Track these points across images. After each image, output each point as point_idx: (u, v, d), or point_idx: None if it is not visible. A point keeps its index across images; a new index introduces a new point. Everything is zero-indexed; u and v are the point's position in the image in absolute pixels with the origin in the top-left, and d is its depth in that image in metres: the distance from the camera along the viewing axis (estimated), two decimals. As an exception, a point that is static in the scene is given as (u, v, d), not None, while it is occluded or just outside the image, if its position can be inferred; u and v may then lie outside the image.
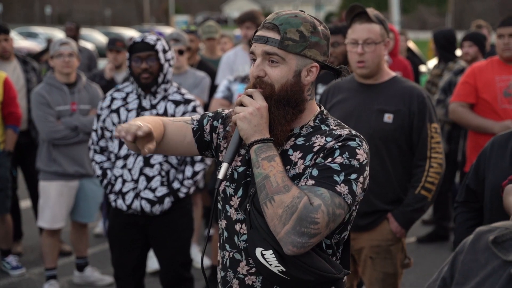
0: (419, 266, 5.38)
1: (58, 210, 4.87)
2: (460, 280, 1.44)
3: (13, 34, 16.57)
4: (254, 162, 1.92)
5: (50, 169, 4.84)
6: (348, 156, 1.91)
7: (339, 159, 1.90)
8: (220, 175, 1.95)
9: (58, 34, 28.60)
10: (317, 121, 2.04)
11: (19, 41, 23.32)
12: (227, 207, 2.07)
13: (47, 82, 4.88)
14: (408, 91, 3.39)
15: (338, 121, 2.08)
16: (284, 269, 1.90)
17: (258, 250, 1.93)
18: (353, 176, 1.90)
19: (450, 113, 4.70)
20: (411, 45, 10.12)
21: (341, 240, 2.04)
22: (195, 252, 5.46)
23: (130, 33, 31.68)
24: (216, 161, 2.18)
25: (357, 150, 1.93)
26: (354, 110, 3.40)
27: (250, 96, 1.97)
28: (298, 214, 1.83)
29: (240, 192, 2.04)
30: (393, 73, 3.53)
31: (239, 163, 2.06)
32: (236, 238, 2.04)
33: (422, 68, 10.29)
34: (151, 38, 3.71)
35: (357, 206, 2.02)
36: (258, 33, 1.98)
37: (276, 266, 1.91)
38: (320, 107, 2.09)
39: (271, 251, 1.90)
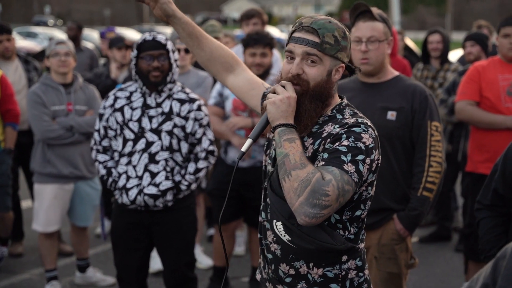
0: (421, 267, 5.37)
1: (52, 214, 4.82)
2: (503, 284, 1.44)
3: (13, 34, 16.51)
4: (277, 143, 2.16)
5: (45, 170, 4.79)
6: (353, 139, 2.13)
7: (345, 142, 2.12)
8: (243, 148, 2.19)
9: (58, 34, 28.57)
10: (334, 111, 2.27)
11: (19, 41, 23.30)
12: (265, 181, 2.35)
13: (43, 82, 4.85)
14: (411, 89, 3.42)
15: (355, 111, 2.29)
16: (290, 238, 2.19)
17: (274, 222, 2.24)
18: (360, 157, 2.11)
19: (457, 113, 4.66)
20: (411, 44, 10.11)
21: (355, 218, 2.24)
22: (197, 253, 5.44)
23: (130, 33, 31.67)
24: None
25: (362, 134, 2.14)
26: (357, 108, 3.40)
27: (283, 87, 2.21)
28: (311, 187, 2.03)
29: (268, 174, 2.33)
30: (396, 72, 3.55)
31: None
32: (267, 210, 2.32)
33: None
34: (161, 38, 3.73)
35: (371, 190, 2.25)
36: (297, 35, 2.22)
37: (284, 236, 2.21)
38: (341, 99, 2.33)
39: (280, 222, 2.21)
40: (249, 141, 2.19)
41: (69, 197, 4.90)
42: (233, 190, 4.67)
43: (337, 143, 2.13)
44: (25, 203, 6.54)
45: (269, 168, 2.34)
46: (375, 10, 3.44)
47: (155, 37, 3.72)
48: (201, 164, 3.82)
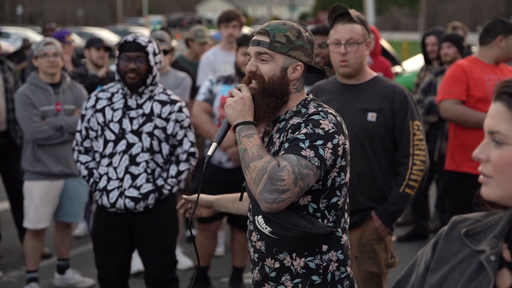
0: (399, 265, 5.38)
1: (42, 210, 4.83)
2: (434, 266, 1.54)
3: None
4: (237, 141, 2.28)
5: (35, 169, 4.80)
6: (311, 126, 2.22)
7: (304, 130, 2.22)
8: (209, 152, 2.31)
9: (30, 34, 28.29)
10: (299, 106, 2.36)
11: (-9, 41, 22.98)
12: (247, 189, 2.41)
13: (31, 82, 4.84)
14: (390, 90, 3.44)
15: (321, 104, 2.37)
16: (271, 229, 2.28)
17: (255, 218, 2.33)
18: (319, 142, 2.20)
19: (444, 111, 4.63)
20: (386, 45, 10.20)
21: (332, 205, 2.31)
22: (177, 253, 5.43)
23: (104, 34, 31.46)
24: None
25: (321, 121, 2.23)
26: (337, 110, 3.39)
27: (240, 90, 2.35)
28: (267, 175, 2.15)
29: None
30: (374, 73, 3.57)
31: None
32: (250, 213, 2.41)
33: (397, 68, 10.40)
34: (143, 39, 3.71)
35: (345, 176, 2.31)
36: (253, 38, 2.36)
37: (266, 228, 2.29)
38: (307, 95, 2.41)
39: (260, 216, 2.31)
40: (214, 145, 2.31)
41: (59, 194, 4.91)
42: (216, 190, 4.66)
43: (296, 132, 2.23)
44: (1, 205, 6.48)
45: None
46: (353, 12, 3.45)
47: (136, 39, 3.70)
48: (183, 166, 3.82)
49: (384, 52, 9.65)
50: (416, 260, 1.61)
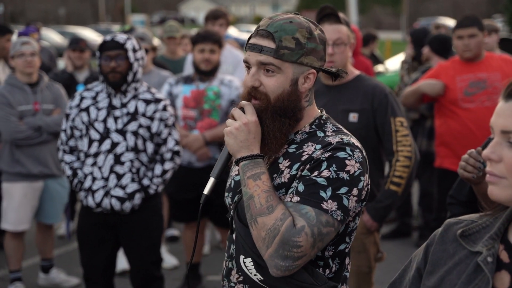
0: (383, 262, 5.43)
1: (22, 212, 4.80)
2: (430, 269, 1.52)
3: None
4: (241, 180, 1.89)
5: (14, 170, 4.77)
6: (335, 169, 1.82)
7: (325, 173, 1.82)
8: (206, 190, 1.93)
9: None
10: (313, 126, 1.97)
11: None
12: (230, 212, 2.05)
13: (8, 82, 4.81)
14: (371, 89, 3.46)
15: (338, 126, 2.00)
16: (262, 278, 1.88)
17: (241, 258, 1.91)
18: (343, 190, 1.82)
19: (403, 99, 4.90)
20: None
21: (339, 252, 1.95)
22: (162, 252, 5.44)
23: (86, 33, 31.30)
24: None
25: (346, 161, 1.83)
26: None
27: (243, 109, 1.92)
28: (280, 237, 1.78)
29: (235, 200, 2.01)
30: (357, 72, 3.59)
31: (236, 172, 2.03)
32: (231, 247, 2.01)
33: (380, 68, 10.46)
34: (121, 37, 3.72)
35: (358, 219, 1.96)
36: (251, 41, 1.91)
37: (255, 275, 1.89)
38: (321, 111, 2.03)
39: (250, 259, 1.89)
40: (211, 181, 1.94)
41: (38, 195, 4.88)
42: (192, 191, 4.69)
43: (315, 172, 1.83)
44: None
45: (228, 200, 2.06)
46: (339, 13, 3.48)
47: (114, 38, 3.71)
48: (167, 165, 3.83)
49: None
50: (410, 261, 1.60)
